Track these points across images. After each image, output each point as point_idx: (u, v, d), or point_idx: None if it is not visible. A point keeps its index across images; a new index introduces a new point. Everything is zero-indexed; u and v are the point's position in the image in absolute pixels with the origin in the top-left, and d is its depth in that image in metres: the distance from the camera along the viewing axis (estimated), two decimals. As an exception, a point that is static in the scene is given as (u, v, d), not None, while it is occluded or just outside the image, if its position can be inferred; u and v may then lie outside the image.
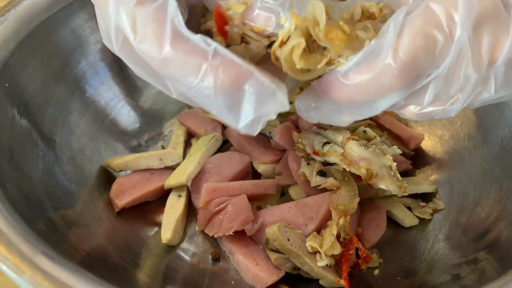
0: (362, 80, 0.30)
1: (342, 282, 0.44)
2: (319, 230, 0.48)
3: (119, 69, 0.59)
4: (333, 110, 0.33)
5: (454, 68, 0.30)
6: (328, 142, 0.48)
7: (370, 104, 0.32)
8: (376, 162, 0.46)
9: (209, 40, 0.29)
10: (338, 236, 0.45)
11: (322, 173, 0.48)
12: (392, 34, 0.29)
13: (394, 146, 0.48)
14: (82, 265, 0.35)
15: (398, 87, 0.30)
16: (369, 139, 0.48)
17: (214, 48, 0.29)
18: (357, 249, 0.46)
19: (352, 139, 0.47)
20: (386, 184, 0.46)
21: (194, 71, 0.29)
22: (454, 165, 0.54)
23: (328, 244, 0.44)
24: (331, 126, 0.51)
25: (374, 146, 0.47)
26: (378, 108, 0.32)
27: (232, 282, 0.47)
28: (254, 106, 0.30)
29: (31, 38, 0.50)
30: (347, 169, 0.46)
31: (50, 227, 0.41)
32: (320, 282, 0.45)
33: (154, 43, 0.29)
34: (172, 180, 0.53)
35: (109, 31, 0.32)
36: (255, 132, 0.32)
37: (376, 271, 0.48)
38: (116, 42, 0.32)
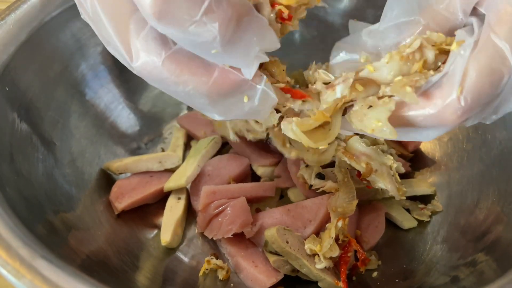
0: (424, 112, 0.30)
1: (341, 284, 0.44)
2: (317, 232, 0.48)
3: (119, 72, 0.59)
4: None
5: (509, 95, 0.30)
6: None
7: (421, 132, 0.32)
8: (377, 158, 0.46)
9: None
10: (336, 239, 0.45)
11: (320, 176, 0.49)
12: (459, 71, 0.29)
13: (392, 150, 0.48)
14: (82, 268, 0.35)
15: (455, 124, 0.30)
16: (375, 143, 0.49)
17: None
18: (355, 251, 0.47)
19: (355, 135, 0.47)
20: (385, 183, 0.46)
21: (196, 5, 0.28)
22: (453, 167, 0.54)
23: (327, 246, 0.44)
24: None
25: (376, 146, 0.47)
26: (428, 136, 0.33)
27: (232, 284, 0.48)
28: (256, 37, 0.30)
29: (31, 41, 0.50)
30: (348, 162, 0.47)
31: (50, 230, 0.41)
32: (319, 284, 0.46)
33: None
34: (172, 182, 0.53)
35: None
36: (253, 67, 0.32)
37: (375, 273, 0.48)
38: None
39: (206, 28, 0.28)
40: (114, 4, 0.31)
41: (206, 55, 0.31)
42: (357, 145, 0.46)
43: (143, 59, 0.31)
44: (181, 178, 0.53)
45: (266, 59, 0.33)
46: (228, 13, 0.28)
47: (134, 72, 0.32)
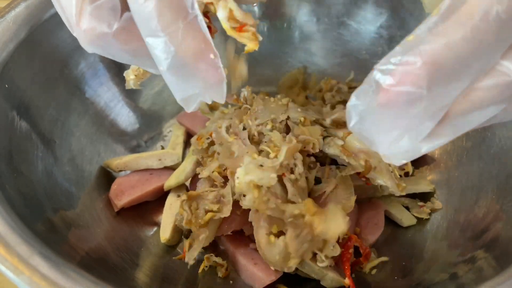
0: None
1: (347, 281, 0.44)
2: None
3: (118, 70, 0.59)
4: None
5: None
6: (328, 136, 0.49)
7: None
8: (375, 155, 0.47)
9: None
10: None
11: (317, 181, 0.49)
12: None
13: None
14: (81, 266, 0.35)
15: None
16: None
17: (195, 14, 0.27)
18: (355, 247, 0.47)
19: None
20: (384, 179, 0.46)
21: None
22: (452, 164, 0.54)
23: (329, 247, 0.44)
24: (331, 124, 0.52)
25: None
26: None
27: (231, 281, 0.48)
28: (203, 84, 0.29)
29: (31, 39, 0.50)
30: (347, 160, 0.47)
31: (49, 228, 0.41)
32: (322, 283, 0.45)
33: None
34: (172, 181, 0.53)
35: None
36: (189, 110, 0.31)
37: (374, 271, 0.48)
38: None
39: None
40: None
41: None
42: (355, 142, 0.47)
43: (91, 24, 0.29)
44: (180, 175, 0.53)
45: None
46: None
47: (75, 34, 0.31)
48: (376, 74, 0.26)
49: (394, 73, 0.25)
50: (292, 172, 0.44)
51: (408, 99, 0.25)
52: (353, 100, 0.27)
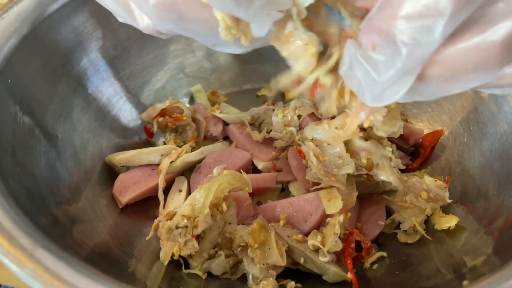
0: None
1: (349, 275, 0.44)
2: (318, 226, 0.48)
3: (120, 66, 0.59)
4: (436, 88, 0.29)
5: None
6: None
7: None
8: (376, 152, 0.47)
9: None
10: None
11: None
12: None
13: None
14: (84, 259, 0.36)
15: None
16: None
17: None
18: (356, 242, 0.47)
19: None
20: (387, 175, 0.46)
21: None
22: (454, 160, 0.54)
23: (332, 243, 0.44)
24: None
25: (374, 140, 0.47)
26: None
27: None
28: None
29: (33, 35, 0.50)
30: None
31: (52, 222, 0.41)
32: (324, 277, 0.46)
33: None
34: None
35: None
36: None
37: (375, 265, 0.48)
38: None
39: None
40: None
41: None
42: (356, 141, 0.47)
43: None
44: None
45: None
46: None
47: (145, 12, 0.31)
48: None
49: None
50: None
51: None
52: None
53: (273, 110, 0.58)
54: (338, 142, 0.47)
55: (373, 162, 0.47)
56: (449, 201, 0.50)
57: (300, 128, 0.55)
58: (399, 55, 0.26)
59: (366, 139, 0.47)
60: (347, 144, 0.47)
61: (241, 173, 0.47)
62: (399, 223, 0.51)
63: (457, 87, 0.28)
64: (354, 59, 0.28)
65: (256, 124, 0.61)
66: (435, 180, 0.50)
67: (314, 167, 0.46)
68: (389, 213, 0.53)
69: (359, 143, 0.47)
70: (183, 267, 0.46)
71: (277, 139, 0.55)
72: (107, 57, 0.58)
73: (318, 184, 0.48)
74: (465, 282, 0.38)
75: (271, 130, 0.57)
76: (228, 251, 0.46)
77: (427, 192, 0.49)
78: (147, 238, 0.47)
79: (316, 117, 0.54)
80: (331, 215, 0.47)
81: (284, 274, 0.46)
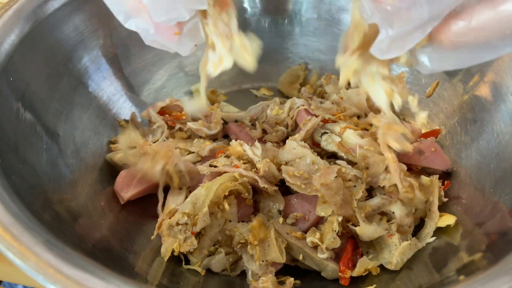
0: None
1: (348, 272, 0.45)
2: (317, 222, 0.48)
3: (121, 65, 0.60)
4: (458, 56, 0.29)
5: None
6: (326, 132, 0.50)
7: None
8: (371, 150, 0.47)
9: None
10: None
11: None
12: None
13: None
14: (85, 254, 0.36)
15: None
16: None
17: None
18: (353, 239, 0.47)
19: (349, 128, 0.48)
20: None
21: None
22: (451, 159, 0.54)
23: (330, 239, 0.45)
24: (329, 120, 0.53)
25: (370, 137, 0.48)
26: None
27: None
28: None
29: (35, 33, 0.50)
30: (345, 156, 0.47)
31: (54, 218, 0.42)
32: (322, 274, 0.46)
33: None
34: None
35: None
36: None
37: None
38: None
39: None
40: None
41: None
42: (352, 137, 0.47)
43: None
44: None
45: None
46: None
47: None
48: None
49: None
50: None
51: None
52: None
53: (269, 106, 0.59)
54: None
55: (369, 162, 0.47)
56: (445, 199, 0.50)
57: (296, 124, 0.56)
58: (420, 7, 0.26)
59: (362, 137, 0.48)
60: (343, 141, 0.48)
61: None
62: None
63: (492, 53, 0.28)
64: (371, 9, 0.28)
65: (254, 122, 0.62)
66: None
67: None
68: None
69: (355, 140, 0.48)
70: (183, 263, 0.47)
71: (267, 134, 0.57)
72: (108, 55, 0.59)
73: None
74: (461, 277, 0.38)
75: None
76: (228, 249, 0.47)
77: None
78: (152, 237, 0.48)
79: (309, 113, 0.55)
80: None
81: (283, 270, 0.47)
